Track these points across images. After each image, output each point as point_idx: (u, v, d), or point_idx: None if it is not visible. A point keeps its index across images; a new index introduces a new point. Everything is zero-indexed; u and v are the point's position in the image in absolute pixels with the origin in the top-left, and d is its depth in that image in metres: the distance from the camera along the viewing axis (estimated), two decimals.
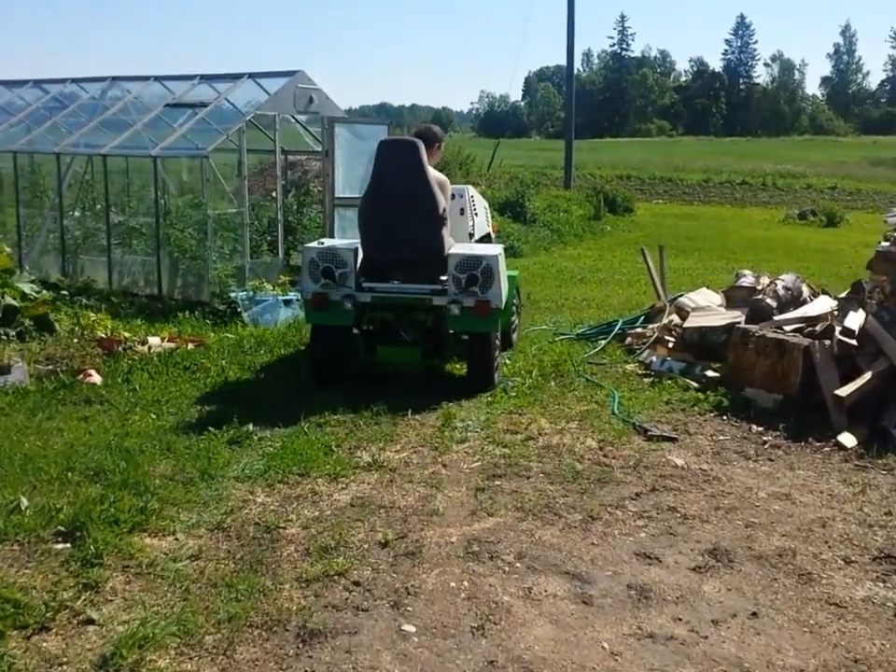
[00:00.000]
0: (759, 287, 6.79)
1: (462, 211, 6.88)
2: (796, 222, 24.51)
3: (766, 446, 5.26)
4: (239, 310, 7.99)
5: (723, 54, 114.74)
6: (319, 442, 5.00)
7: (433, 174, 6.01)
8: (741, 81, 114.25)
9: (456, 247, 6.06)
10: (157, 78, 10.05)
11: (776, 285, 6.60)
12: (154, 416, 5.45)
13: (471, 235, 6.96)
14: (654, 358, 6.66)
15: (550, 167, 47.17)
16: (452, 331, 6.04)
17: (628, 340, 7.43)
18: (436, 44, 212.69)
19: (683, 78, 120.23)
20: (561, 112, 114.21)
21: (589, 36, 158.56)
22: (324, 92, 9.49)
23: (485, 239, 7.49)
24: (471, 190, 7.26)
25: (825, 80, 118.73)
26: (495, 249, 6.12)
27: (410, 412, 5.60)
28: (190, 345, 7.08)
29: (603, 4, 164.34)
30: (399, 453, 4.95)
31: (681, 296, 8.02)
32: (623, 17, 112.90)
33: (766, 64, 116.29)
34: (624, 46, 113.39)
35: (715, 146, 77.15)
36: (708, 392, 6.02)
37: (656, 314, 7.82)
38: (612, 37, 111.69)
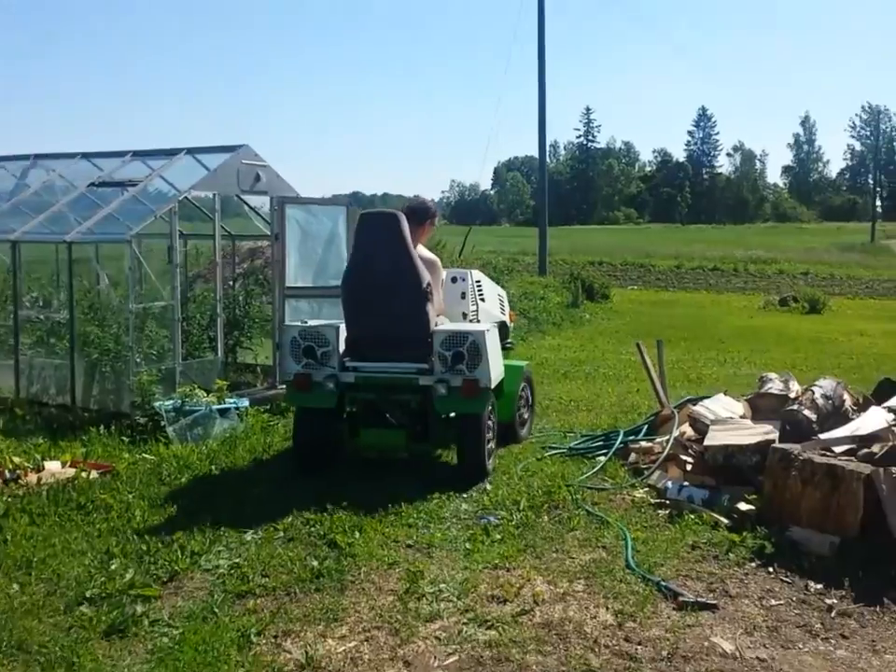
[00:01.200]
0: (791, 395, 5.59)
1: (463, 295, 6.53)
2: (777, 308, 23.71)
3: (833, 614, 3.96)
4: (163, 424, 6.63)
5: (686, 145, 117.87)
6: (233, 628, 3.61)
7: (420, 249, 5.85)
8: (704, 171, 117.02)
9: (443, 325, 5.80)
10: (84, 155, 8.90)
11: (812, 392, 5.41)
12: (17, 587, 4.04)
13: (469, 321, 6.54)
14: (669, 484, 5.39)
15: (521, 253, 46.78)
16: (440, 414, 5.70)
17: (632, 456, 6.17)
18: (407, 134, 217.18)
19: (648, 168, 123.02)
20: (531, 200, 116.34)
21: (556, 128, 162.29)
22: (273, 170, 8.38)
23: (500, 328, 6.80)
24: (478, 275, 6.90)
25: (786, 169, 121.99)
26: (483, 326, 5.82)
27: (362, 570, 4.26)
28: (95, 473, 5.70)
29: (568, 97, 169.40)
30: (343, 641, 3.58)
31: (689, 401, 6.82)
32: (588, 109, 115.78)
33: (729, 154, 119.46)
34: (590, 137, 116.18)
35: (682, 233, 78.08)
36: (744, 532, 4.73)
37: (662, 422, 6.59)
38: (578, 129, 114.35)
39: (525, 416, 6.95)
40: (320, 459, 5.83)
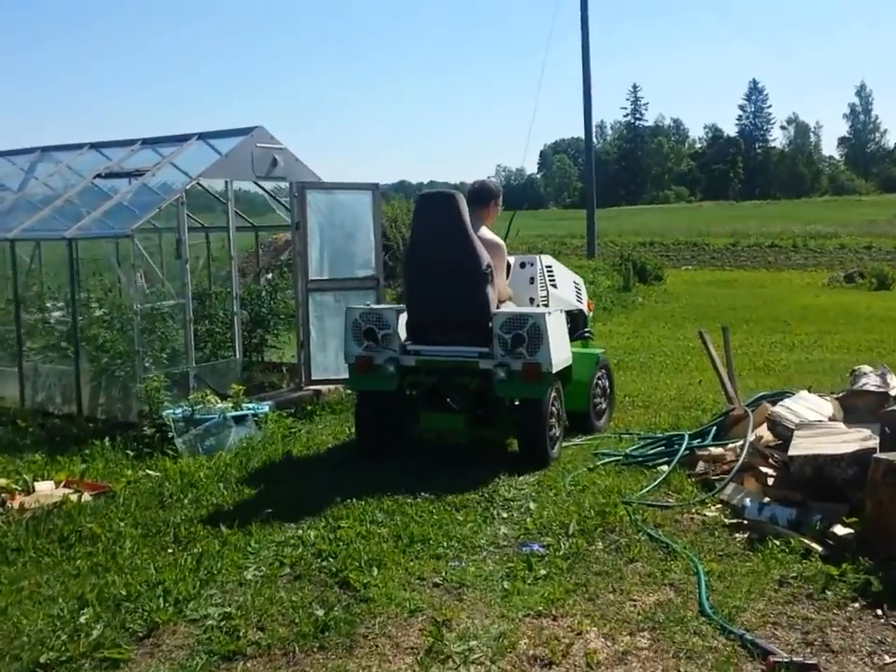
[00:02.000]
0: (891, 392, 4.69)
1: (532, 280, 6.41)
2: (843, 285, 22.38)
3: None
4: (171, 435, 5.99)
5: (738, 119, 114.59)
6: None
7: (483, 233, 5.71)
8: (757, 145, 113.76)
9: (504, 307, 5.70)
10: (93, 146, 8.30)
11: None
12: None
13: (538, 306, 6.29)
14: (748, 501, 4.54)
15: (569, 236, 45.69)
16: (501, 398, 5.62)
17: (700, 465, 5.32)
18: (451, 120, 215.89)
19: (698, 145, 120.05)
20: (578, 182, 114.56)
21: (602, 108, 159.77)
22: (291, 153, 7.68)
23: (576, 316, 6.93)
24: (549, 260, 6.77)
25: (842, 140, 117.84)
26: (545, 309, 5.74)
27: (378, 620, 3.52)
28: (89, 495, 5.08)
29: (614, 76, 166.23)
30: None
31: (764, 398, 5.94)
32: (635, 87, 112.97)
33: (783, 127, 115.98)
34: (638, 116, 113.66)
35: (737, 210, 75.86)
36: (843, 564, 3.87)
37: (733, 424, 5.73)
38: (625, 108, 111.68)
39: (603, 406, 6.73)
40: (381, 443, 5.79)
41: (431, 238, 5.60)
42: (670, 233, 47.94)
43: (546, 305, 6.32)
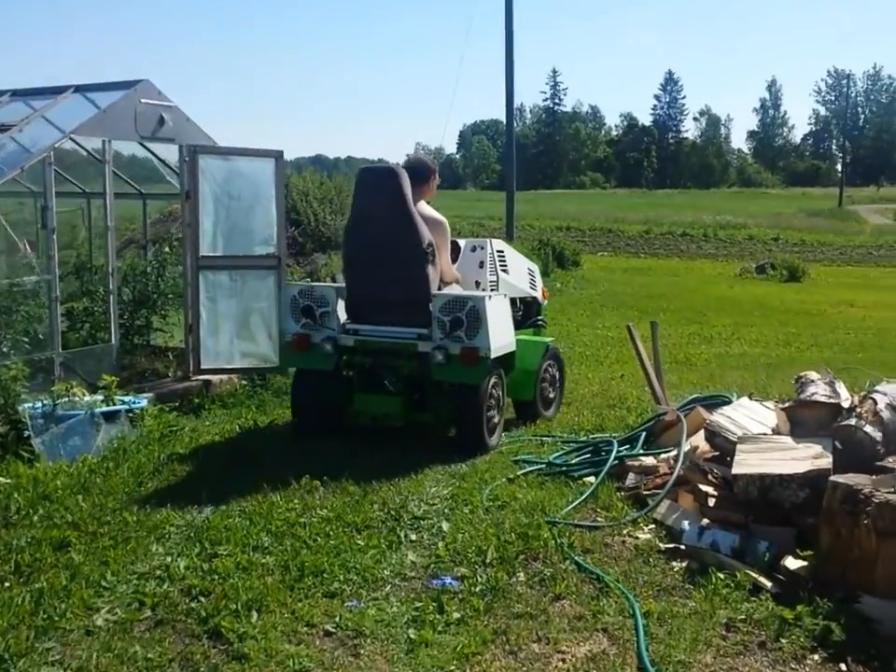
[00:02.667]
0: (844, 405, 4.24)
1: (481, 264, 6.26)
2: (755, 276, 22.64)
3: None
4: (27, 434, 5.13)
5: (653, 109, 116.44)
6: None
7: (424, 209, 5.54)
8: (670, 136, 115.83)
9: (448, 289, 5.60)
10: None
11: (874, 401, 4.05)
12: None
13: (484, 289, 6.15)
14: (686, 525, 4.03)
15: (487, 218, 45.34)
16: (438, 382, 5.46)
17: (630, 478, 4.80)
18: (370, 96, 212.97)
19: (614, 133, 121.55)
20: (496, 164, 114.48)
21: (522, 91, 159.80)
22: (182, 112, 6.81)
23: (529, 303, 6.86)
24: (500, 244, 6.59)
25: (751, 134, 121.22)
26: (486, 293, 5.64)
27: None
28: None
29: (534, 59, 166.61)
30: None
31: (696, 402, 5.48)
32: (555, 72, 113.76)
33: (695, 119, 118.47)
34: (557, 101, 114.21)
35: (649, 197, 77.11)
36: (799, 607, 3.37)
37: (663, 429, 5.24)
38: (545, 92, 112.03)
39: (551, 396, 6.52)
40: (317, 423, 5.66)
41: (371, 214, 5.44)
42: (586, 219, 48.23)
43: (495, 290, 6.14)
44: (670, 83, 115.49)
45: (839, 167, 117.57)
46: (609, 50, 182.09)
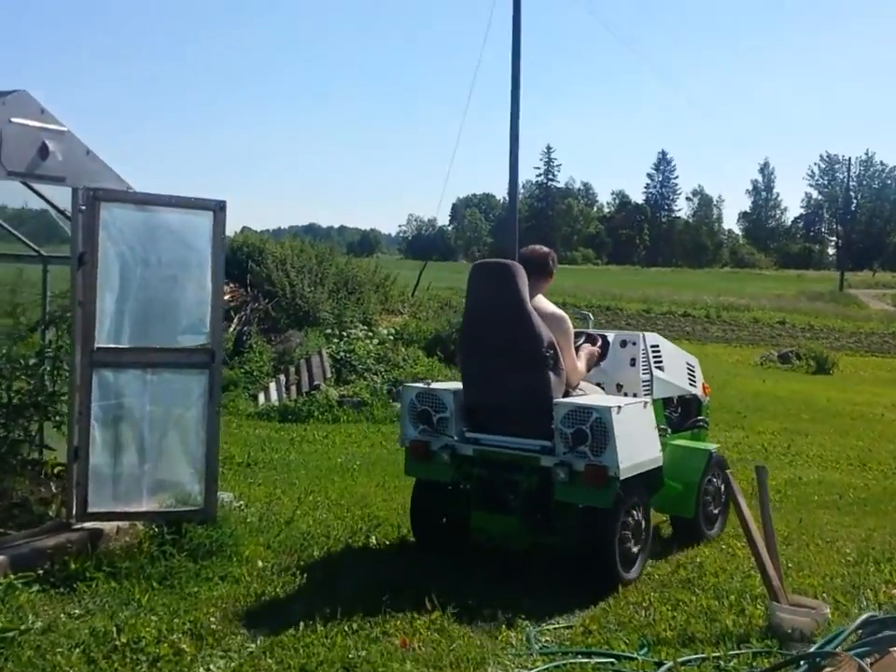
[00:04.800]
0: None
1: (633, 361, 5.63)
2: (778, 366, 20.64)
3: None
4: None
5: (645, 188, 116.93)
6: None
7: (542, 304, 4.96)
8: (663, 214, 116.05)
9: (571, 397, 4.93)
10: None
11: None
12: None
13: (631, 393, 5.50)
14: None
15: None
16: (565, 502, 4.79)
17: None
18: (365, 167, 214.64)
19: (606, 209, 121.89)
20: (488, 237, 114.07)
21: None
22: (80, 142, 4.73)
23: (688, 401, 6.21)
24: (655, 339, 5.94)
25: (744, 215, 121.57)
26: (619, 400, 4.85)
27: None
28: None
29: (528, 136, 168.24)
30: None
31: (873, 623, 3.29)
32: (549, 148, 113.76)
33: (688, 198, 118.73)
34: (550, 176, 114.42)
35: (643, 275, 76.22)
36: None
37: None
38: (538, 168, 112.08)
39: (716, 512, 5.84)
40: (437, 537, 5.29)
41: (485, 313, 4.99)
42: (583, 295, 46.67)
43: (649, 391, 5.57)
44: (663, 163, 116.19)
45: (830, 250, 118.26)
46: (602, 130, 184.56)
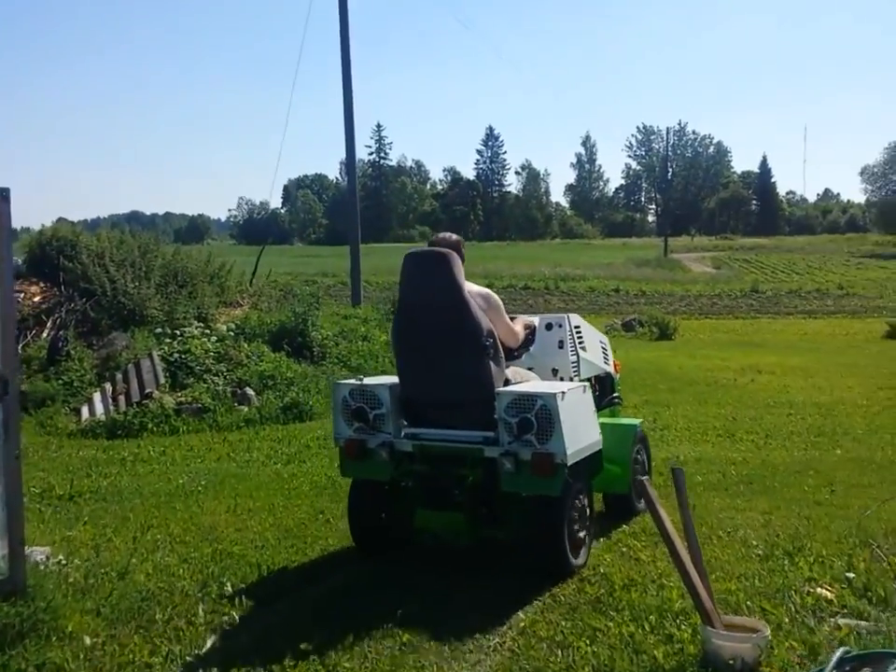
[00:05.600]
0: None
1: (561, 344, 5.68)
2: (623, 334, 20.98)
3: None
4: None
5: (475, 164, 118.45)
6: None
7: (469, 287, 4.73)
8: (494, 189, 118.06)
9: (512, 385, 4.81)
10: None
11: None
12: None
13: (562, 377, 5.57)
14: None
15: (320, 275, 42.62)
16: (509, 493, 4.65)
17: None
18: (187, 146, 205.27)
19: (440, 186, 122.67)
20: (323, 219, 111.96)
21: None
22: None
23: (602, 379, 6.19)
24: (577, 319, 5.93)
25: (570, 188, 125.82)
26: (557, 386, 4.71)
27: None
28: None
29: (358, 113, 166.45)
30: None
31: (853, 661, 2.80)
32: (379, 126, 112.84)
33: (517, 173, 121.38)
34: (382, 154, 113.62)
35: (480, 250, 77.09)
36: None
37: None
38: (370, 146, 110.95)
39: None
40: (378, 539, 5.08)
41: (420, 304, 4.80)
42: None
43: (577, 373, 5.70)
44: (491, 138, 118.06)
45: (650, 218, 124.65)
46: (430, 105, 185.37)
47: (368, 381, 5.11)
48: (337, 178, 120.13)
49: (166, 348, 10.98)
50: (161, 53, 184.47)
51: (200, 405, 9.72)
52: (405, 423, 4.95)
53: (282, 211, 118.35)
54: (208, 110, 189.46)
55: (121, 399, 10.11)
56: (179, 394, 10.05)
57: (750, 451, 7.98)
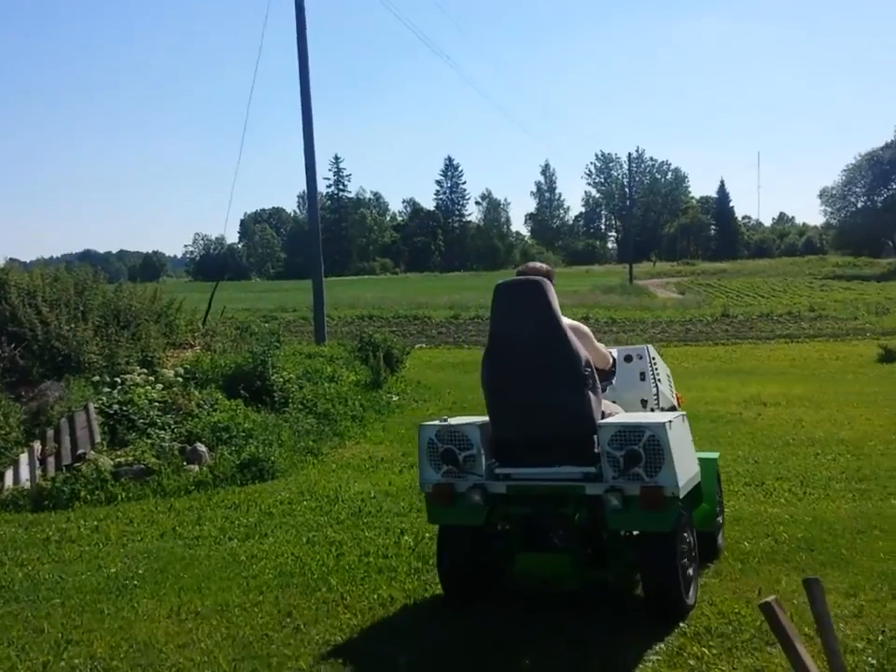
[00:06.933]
0: None
1: (643, 376, 5.57)
2: None
3: None
4: None
5: (435, 194, 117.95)
6: None
7: (567, 322, 4.65)
8: (454, 220, 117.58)
9: (613, 416, 4.64)
10: None
11: None
12: None
13: (650, 409, 5.50)
14: None
15: (280, 309, 41.24)
16: (616, 532, 4.52)
17: None
18: (144, 186, 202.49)
19: (400, 218, 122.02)
20: (281, 253, 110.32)
21: (302, 178, 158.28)
22: None
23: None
24: (653, 351, 5.83)
25: (530, 216, 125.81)
26: (664, 416, 4.57)
27: None
28: None
29: (316, 145, 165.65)
30: None
31: None
32: (337, 158, 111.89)
33: (477, 203, 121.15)
34: (341, 186, 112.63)
35: (443, 280, 76.27)
36: None
37: None
38: (328, 178, 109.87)
39: (720, 521, 5.55)
40: (470, 590, 4.81)
41: (515, 336, 4.54)
42: (388, 305, 45.40)
43: (658, 405, 5.44)
44: (450, 168, 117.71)
45: (609, 245, 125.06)
46: (388, 138, 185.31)
47: (452, 421, 4.86)
48: (295, 211, 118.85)
49: (105, 399, 9.58)
50: (112, 88, 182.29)
51: (142, 466, 8.32)
52: (496, 463, 4.67)
53: (239, 246, 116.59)
54: (163, 146, 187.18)
55: (50, 461, 8.68)
56: (119, 452, 8.64)
57: (791, 504, 6.82)
